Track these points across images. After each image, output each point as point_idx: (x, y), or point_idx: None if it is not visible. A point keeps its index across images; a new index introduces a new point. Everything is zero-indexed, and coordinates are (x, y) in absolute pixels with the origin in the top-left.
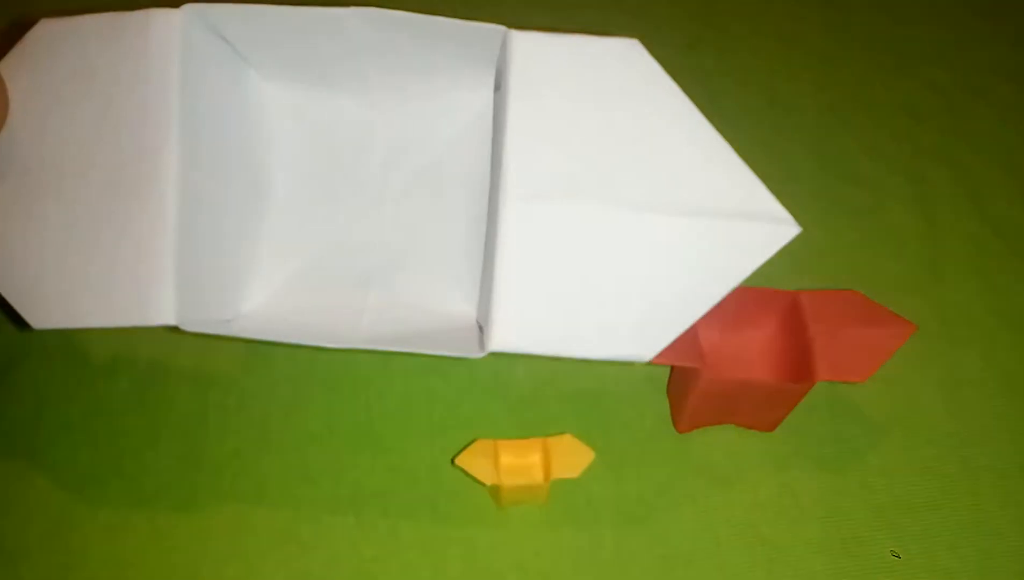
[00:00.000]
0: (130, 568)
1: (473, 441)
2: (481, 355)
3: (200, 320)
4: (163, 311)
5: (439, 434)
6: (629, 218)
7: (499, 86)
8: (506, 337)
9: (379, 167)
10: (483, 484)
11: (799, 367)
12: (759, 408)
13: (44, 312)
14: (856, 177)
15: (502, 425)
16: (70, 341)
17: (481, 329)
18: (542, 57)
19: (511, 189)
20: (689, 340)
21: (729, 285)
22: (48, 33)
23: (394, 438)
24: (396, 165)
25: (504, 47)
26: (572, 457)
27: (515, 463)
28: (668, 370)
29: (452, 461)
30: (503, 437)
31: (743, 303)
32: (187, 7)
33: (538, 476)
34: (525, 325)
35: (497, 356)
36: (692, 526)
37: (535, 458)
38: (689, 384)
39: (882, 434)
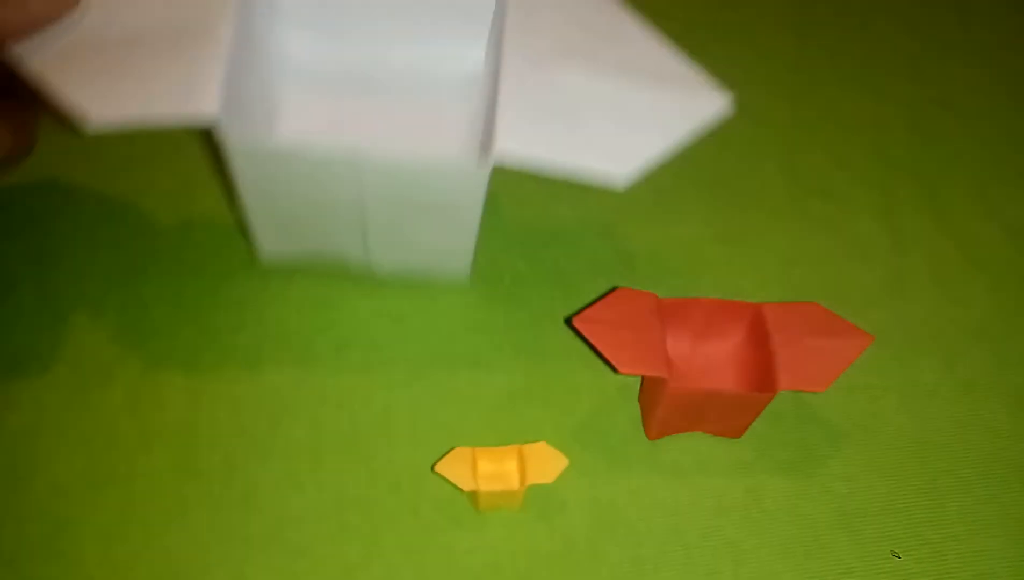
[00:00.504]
0: (124, 573)
1: (452, 449)
2: (484, 169)
3: (239, 129)
4: (208, 104)
5: (421, 443)
6: (606, 76)
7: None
8: (507, 144)
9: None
10: (461, 490)
11: (762, 377)
12: (725, 416)
13: (100, 109)
14: (825, 191)
15: (480, 434)
16: (66, 350)
17: (482, 152)
18: None
19: (512, 51)
20: (657, 351)
21: (683, 129)
22: None
23: (377, 447)
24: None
25: None
26: (546, 463)
27: (492, 470)
28: (639, 381)
29: (432, 468)
30: (481, 445)
31: (711, 315)
32: None
33: (514, 482)
34: (523, 137)
35: (474, 367)
36: (662, 529)
37: (511, 465)
38: (658, 394)
39: (845, 440)
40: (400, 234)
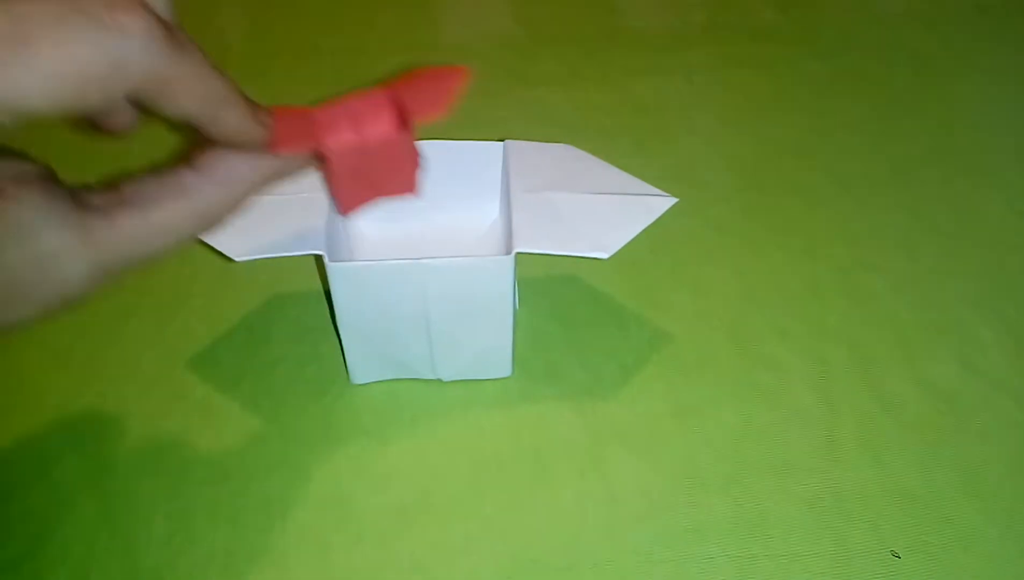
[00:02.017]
0: None
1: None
2: (509, 256)
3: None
4: (317, 246)
5: None
6: (584, 195)
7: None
8: (521, 243)
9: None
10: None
11: (401, 122)
12: (393, 171)
13: (242, 250)
14: (767, 360)
15: None
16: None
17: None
18: (526, 148)
19: (516, 187)
20: (307, 133)
21: (644, 223)
22: None
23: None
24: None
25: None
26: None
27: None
28: None
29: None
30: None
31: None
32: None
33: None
34: (531, 237)
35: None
36: None
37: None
38: (327, 173)
39: None
40: (456, 338)
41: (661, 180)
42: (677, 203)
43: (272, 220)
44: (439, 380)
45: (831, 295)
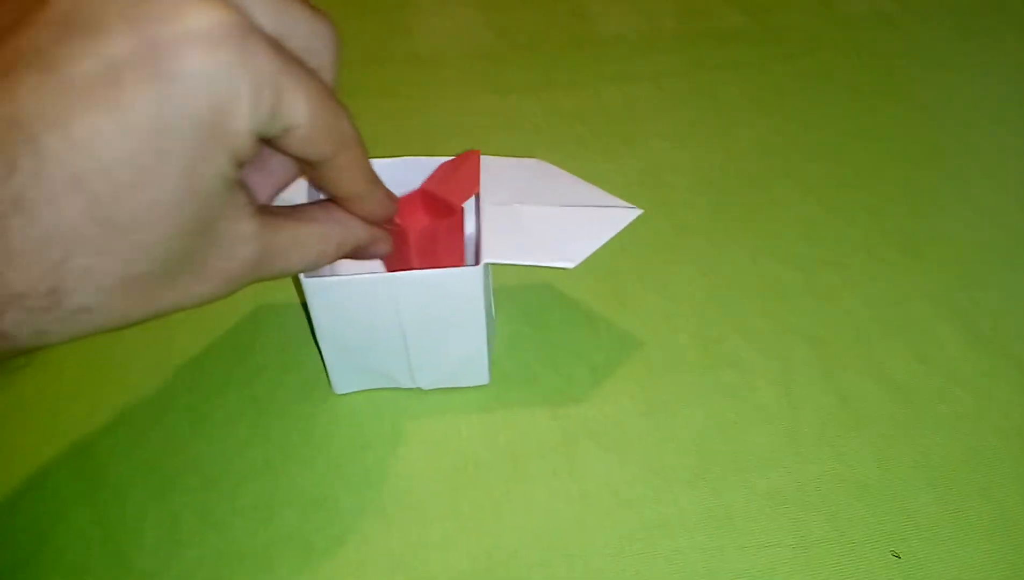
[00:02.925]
0: None
1: None
2: (478, 267)
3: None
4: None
5: None
6: (552, 208)
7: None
8: (491, 254)
9: None
10: None
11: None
12: (450, 247)
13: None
14: (731, 359)
15: None
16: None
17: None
18: (497, 163)
19: (486, 202)
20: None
21: (609, 234)
22: None
23: None
24: None
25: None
26: None
27: None
28: None
29: None
30: None
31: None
32: None
33: None
34: (499, 248)
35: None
36: None
37: None
38: (401, 248)
39: None
40: (432, 348)
41: (630, 184)
42: (645, 208)
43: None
44: (419, 389)
45: (793, 294)
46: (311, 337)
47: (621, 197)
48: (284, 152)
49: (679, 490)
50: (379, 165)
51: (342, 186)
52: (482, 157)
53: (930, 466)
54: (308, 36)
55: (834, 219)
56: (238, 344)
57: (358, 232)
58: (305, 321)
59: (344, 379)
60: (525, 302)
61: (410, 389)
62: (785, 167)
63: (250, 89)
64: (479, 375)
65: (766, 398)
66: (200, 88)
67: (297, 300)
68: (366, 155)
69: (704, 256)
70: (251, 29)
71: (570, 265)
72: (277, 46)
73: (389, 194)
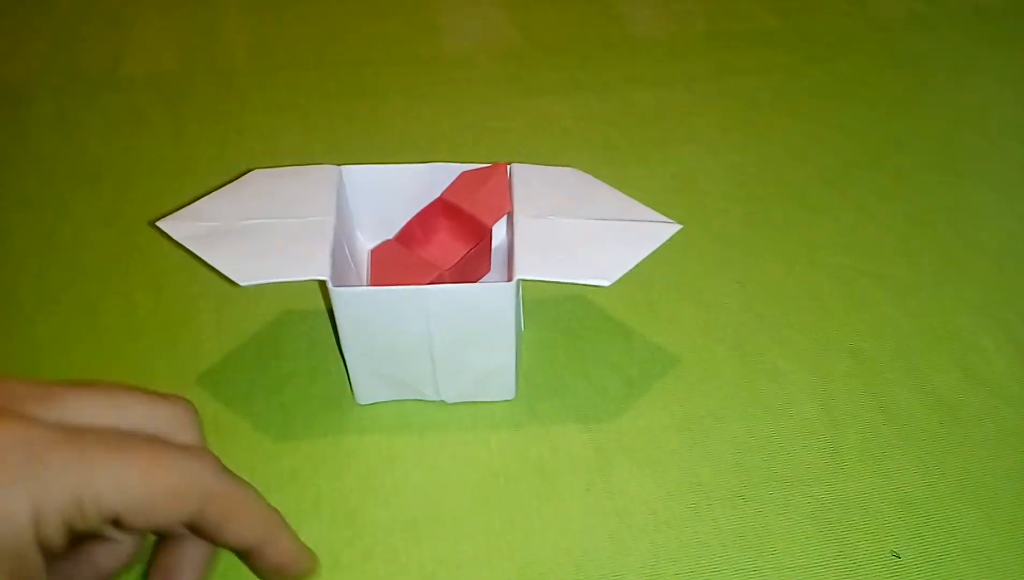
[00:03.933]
0: None
1: None
2: (510, 283)
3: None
4: (323, 270)
5: None
6: (588, 221)
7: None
8: (524, 270)
9: None
10: None
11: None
12: (480, 262)
13: (247, 275)
14: (770, 371)
15: None
16: None
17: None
18: (531, 172)
19: (519, 212)
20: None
21: (646, 250)
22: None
23: None
24: None
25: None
26: None
27: None
28: None
29: None
30: None
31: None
32: (342, 167)
33: None
34: (532, 264)
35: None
36: None
37: None
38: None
39: None
40: (459, 361)
41: (663, 191)
42: (679, 215)
43: (278, 243)
44: (443, 401)
45: (832, 304)
46: (337, 344)
47: (654, 204)
48: (136, 532)
49: (718, 508)
50: (400, 171)
51: (232, 540)
52: (516, 166)
53: (976, 484)
54: (165, 422)
55: (873, 228)
56: (263, 351)
57: None
58: (331, 327)
59: (368, 390)
60: (555, 310)
61: (435, 401)
62: (821, 174)
63: (29, 508)
64: (505, 390)
65: (807, 412)
66: None
67: (323, 306)
68: (253, 502)
69: (740, 266)
70: (36, 442)
71: (605, 283)
72: (80, 447)
73: (299, 545)
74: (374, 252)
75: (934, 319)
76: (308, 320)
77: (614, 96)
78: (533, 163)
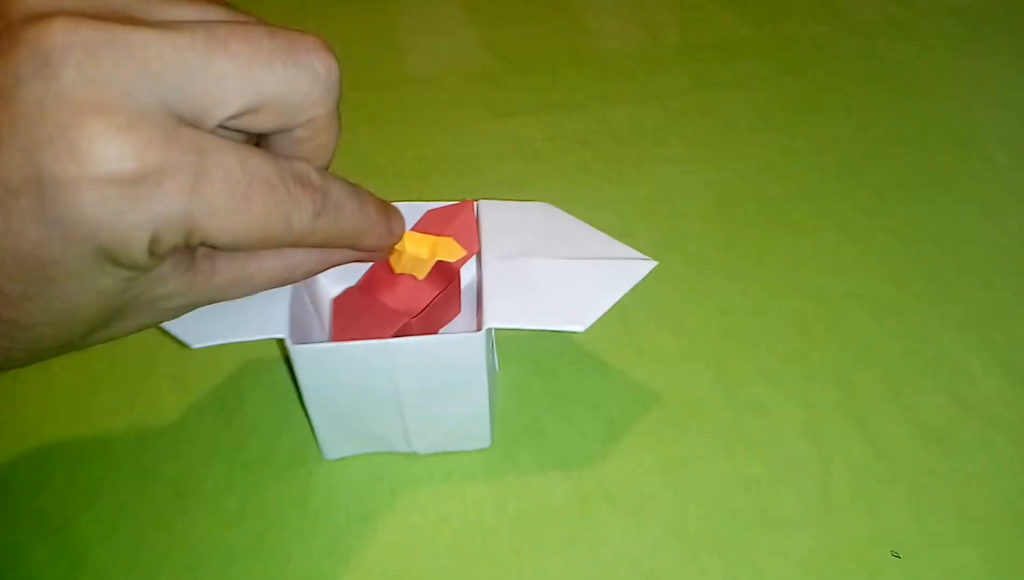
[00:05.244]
0: None
1: None
2: (480, 333)
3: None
4: (280, 331)
5: None
6: (561, 261)
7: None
8: (495, 318)
9: None
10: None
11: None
12: (448, 307)
13: (199, 338)
14: (755, 405)
15: None
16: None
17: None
18: (500, 209)
19: (488, 254)
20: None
21: (622, 291)
22: None
23: None
24: None
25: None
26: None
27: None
28: None
29: None
30: None
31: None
32: None
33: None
34: (502, 310)
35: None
36: None
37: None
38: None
39: None
40: (430, 413)
41: (639, 214)
42: (656, 238)
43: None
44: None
45: (817, 330)
46: (299, 400)
47: (630, 228)
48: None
49: (705, 556)
50: None
51: (331, 240)
52: (484, 203)
53: (971, 520)
54: (281, 95)
55: (855, 246)
56: (224, 405)
57: (332, 257)
58: (293, 380)
59: (335, 445)
60: (531, 348)
61: (407, 453)
62: (801, 190)
63: (144, 233)
64: (480, 439)
65: (794, 450)
66: (85, 235)
67: (286, 354)
68: (348, 196)
69: (721, 292)
70: (153, 170)
71: (580, 328)
72: (189, 170)
73: (387, 213)
74: (336, 302)
75: (920, 342)
76: (272, 370)
77: (586, 115)
78: (504, 187)
